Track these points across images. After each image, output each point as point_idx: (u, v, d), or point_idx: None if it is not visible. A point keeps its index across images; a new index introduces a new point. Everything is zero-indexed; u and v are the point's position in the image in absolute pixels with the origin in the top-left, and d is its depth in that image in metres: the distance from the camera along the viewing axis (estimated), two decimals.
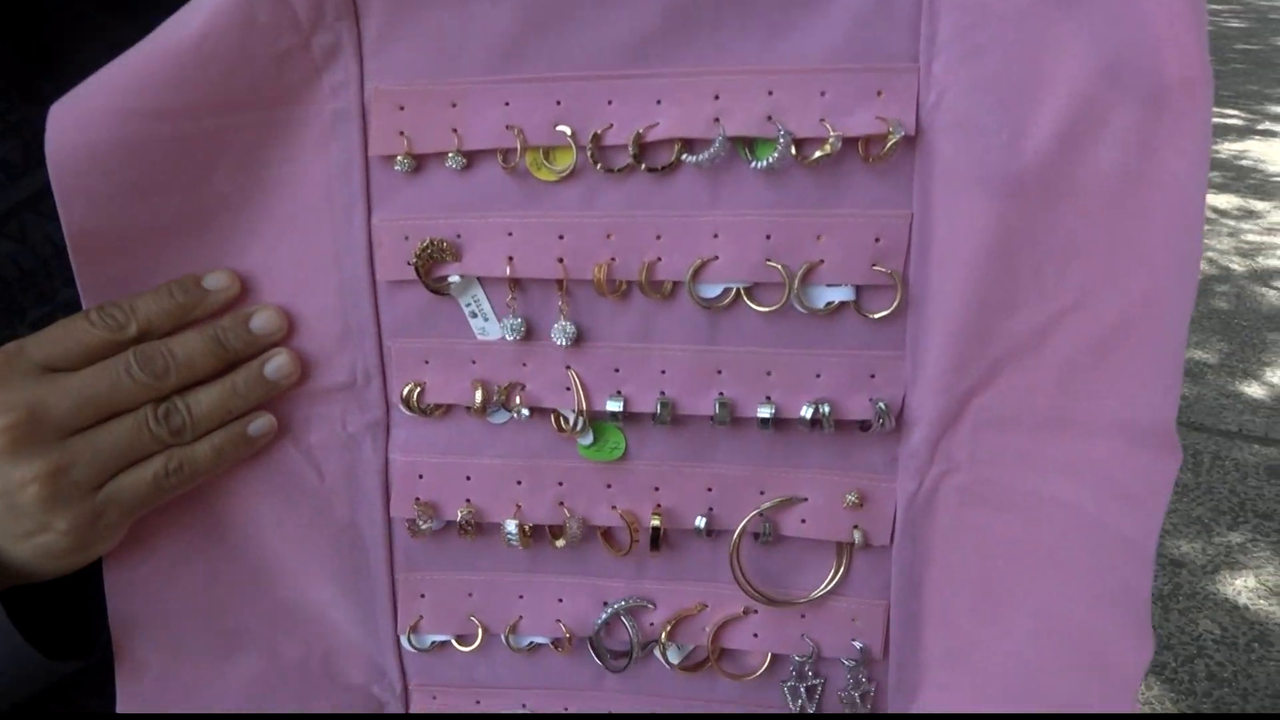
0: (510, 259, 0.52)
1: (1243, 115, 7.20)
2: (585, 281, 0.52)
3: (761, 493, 0.55)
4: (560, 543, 0.56)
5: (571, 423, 0.54)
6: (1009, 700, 0.53)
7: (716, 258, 0.51)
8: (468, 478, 0.56)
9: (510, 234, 0.52)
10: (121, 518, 0.52)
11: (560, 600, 0.58)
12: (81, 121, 0.49)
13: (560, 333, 0.53)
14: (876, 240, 0.50)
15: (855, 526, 0.55)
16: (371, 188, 0.53)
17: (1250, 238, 5.12)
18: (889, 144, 0.49)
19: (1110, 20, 0.44)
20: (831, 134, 0.49)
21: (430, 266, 0.53)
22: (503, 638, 0.59)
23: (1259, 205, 5.59)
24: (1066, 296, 0.49)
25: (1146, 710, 2.47)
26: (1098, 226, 0.47)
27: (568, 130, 0.50)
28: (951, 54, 0.47)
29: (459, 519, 0.56)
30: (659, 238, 0.51)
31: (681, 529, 0.56)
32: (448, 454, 0.56)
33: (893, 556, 0.55)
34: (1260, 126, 6.92)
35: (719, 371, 0.53)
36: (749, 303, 0.52)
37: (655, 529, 0.55)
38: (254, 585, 0.58)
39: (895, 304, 0.51)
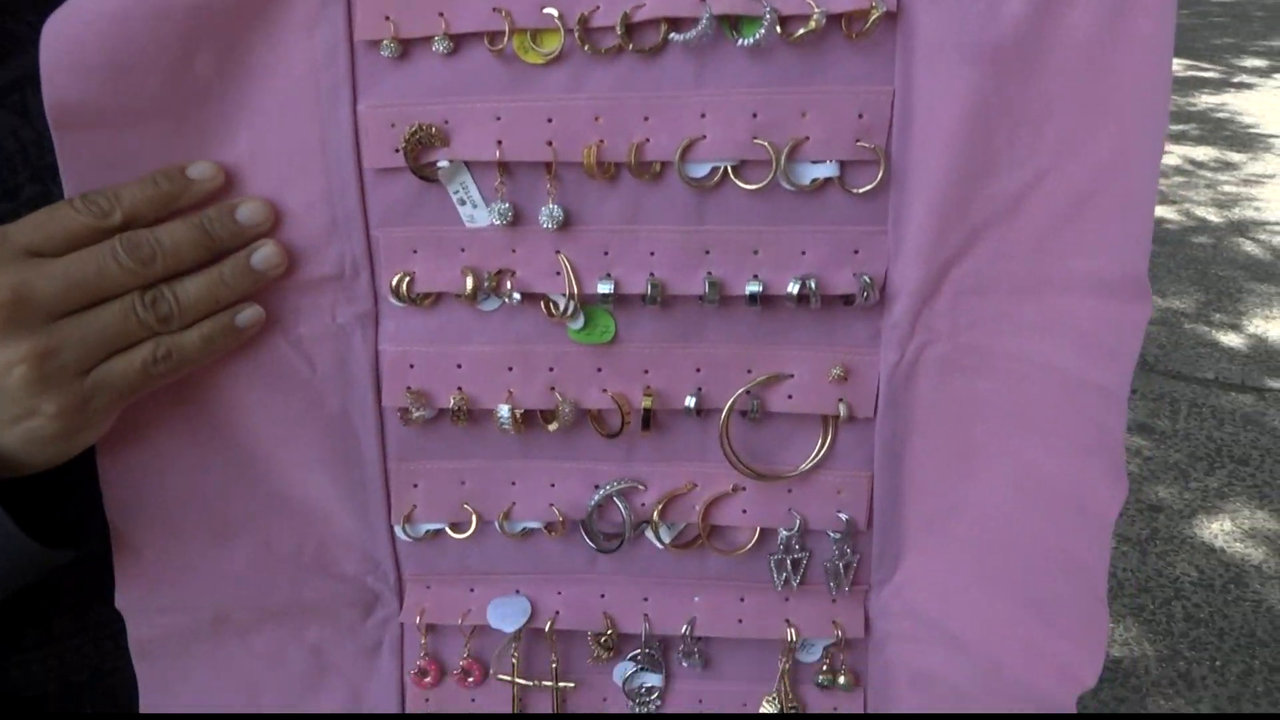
0: (499, 143, 0.53)
1: (1220, 68, 7.33)
2: (574, 164, 0.53)
3: (749, 371, 0.57)
4: (553, 427, 0.57)
5: (562, 307, 0.56)
6: (988, 558, 0.56)
7: (704, 137, 0.52)
8: (459, 365, 0.57)
9: (498, 118, 0.53)
10: (110, 404, 0.52)
11: (552, 485, 0.59)
12: None
13: (548, 217, 0.54)
14: (860, 116, 0.52)
15: (840, 400, 0.56)
16: (357, 74, 0.53)
17: (1227, 189, 5.22)
18: (871, 20, 0.50)
19: None
20: (815, 10, 0.50)
21: (418, 152, 0.53)
22: (496, 524, 0.60)
23: (1235, 157, 5.69)
24: (1042, 160, 0.50)
25: (1124, 651, 2.55)
26: (1071, 89, 0.49)
27: (555, 12, 0.51)
28: None
29: (451, 406, 0.57)
30: (647, 119, 0.52)
31: (671, 409, 0.57)
32: (438, 343, 0.57)
33: (876, 428, 0.57)
34: (1236, 79, 7.05)
35: (707, 251, 0.54)
36: (736, 181, 0.53)
37: (646, 410, 0.57)
38: (246, 476, 0.59)
39: (878, 179, 0.53)
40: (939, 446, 0.56)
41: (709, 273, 0.55)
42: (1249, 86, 6.89)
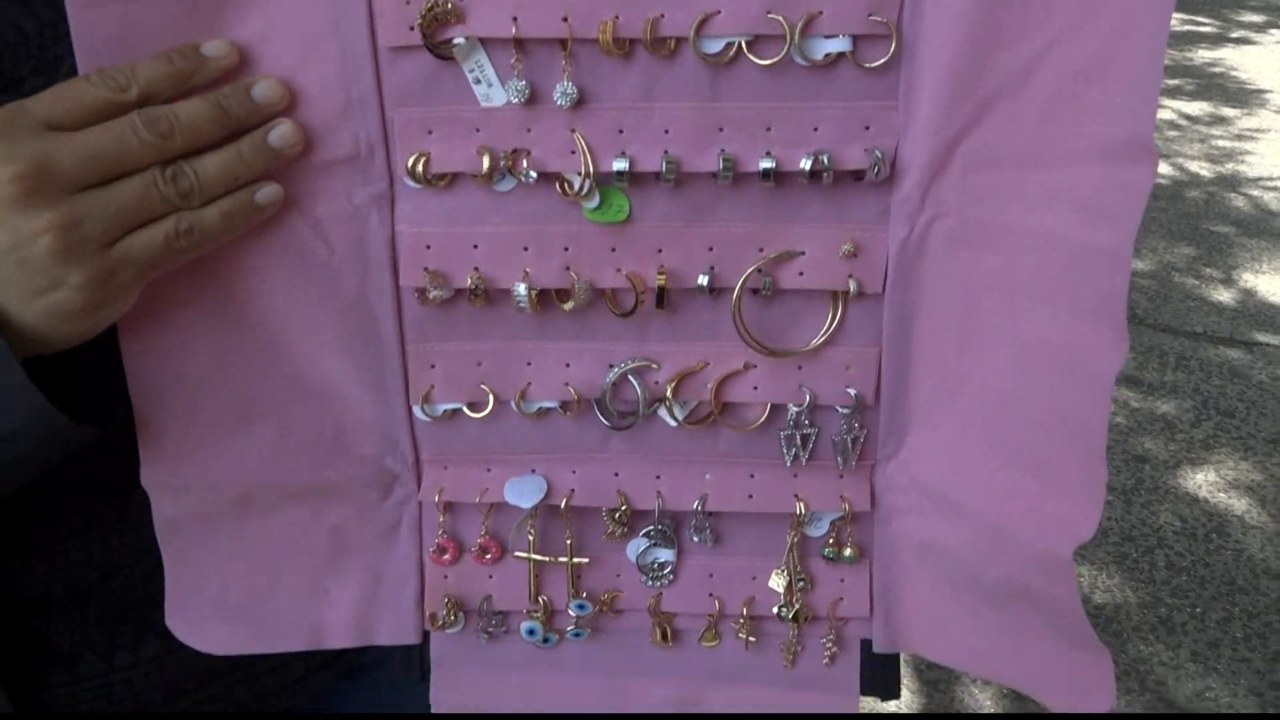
0: (514, 19, 0.54)
1: (1216, 23, 7.28)
2: (589, 41, 0.54)
3: (760, 249, 0.58)
4: (568, 306, 0.59)
5: (576, 186, 0.57)
6: (992, 429, 0.58)
7: (719, 12, 0.53)
8: (475, 246, 0.59)
9: None
10: (133, 279, 0.53)
11: (567, 365, 0.61)
12: None
13: (563, 95, 0.55)
14: None
15: (850, 275, 0.58)
16: None
17: (1220, 144, 5.23)
18: None
19: None
20: None
21: (434, 30, 0.54)
22: (513, 404, 0.62)
23: (1229, 112, 5.69)
24: (1051, 29, 0.52)
25: (1106, 598, 2.58)
26: None
27: None
28: None
29: (468, 286, 0.59)
30: None
31: (684, 288, 0.59)
32: (454, 223, 0.58)
33: (885, 304, 0.59)
34: (1233, 35, 7.02)
35: (720, 129, 0.56)
36: (750, 56, 0.54)
37: (660, 288, 0.58)
38: (266, 357, 0.60)
39: (890, 53, 0.54)
40: (946, 321, 0.58)
41: (723, 150, 0.56)
42: (1246, 42, 6.89)
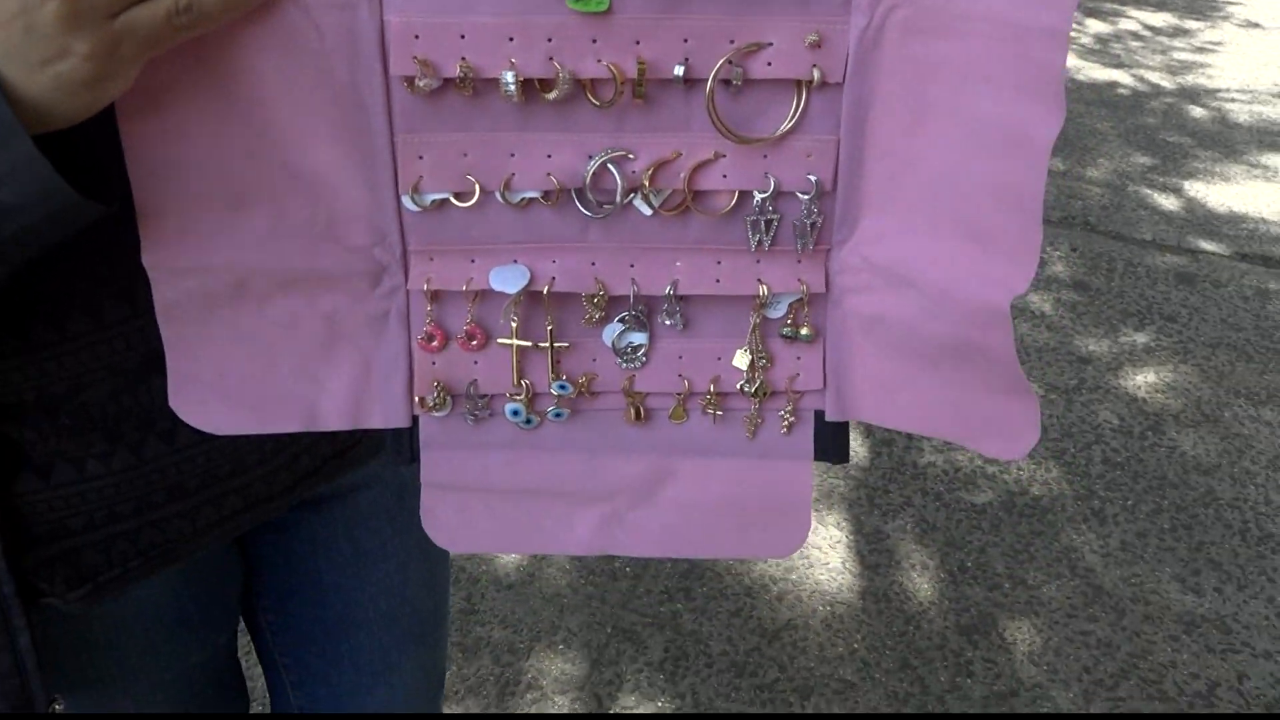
0: None
1: None
2: None
3: (732, 41, 0.63)
4: (551, 95, 0.64)
5: None
6: (938, 205, 0.64)
7: None
8: (462, 36, 0.63)
9: None
10: (136, 53, 0.55)
11: (549, 156, 0.66)
12: None
13: None
14: None
15: (814, 65, 0.64)
16: None
17: (1180, 55, 5.31)
18: None
19: None
20: None
21: None
22: (497, 194, 0.67)
23: (1192, 24, 5.76)
24: None
25: (1043, 490, 2.67)
26: None
27: None
28: None
29: (456, 75, 0.63)
30: None
31: (661, 79, 0.64)
32: (442, 13, 0.63)
33: (844, 93, 0.65)
34: None
35: None
36: None
37: (639, 77, 0.64)
38: (260, 144, 0.64)
39: None
40: (898, 108, 0.64)
41: None
42: None
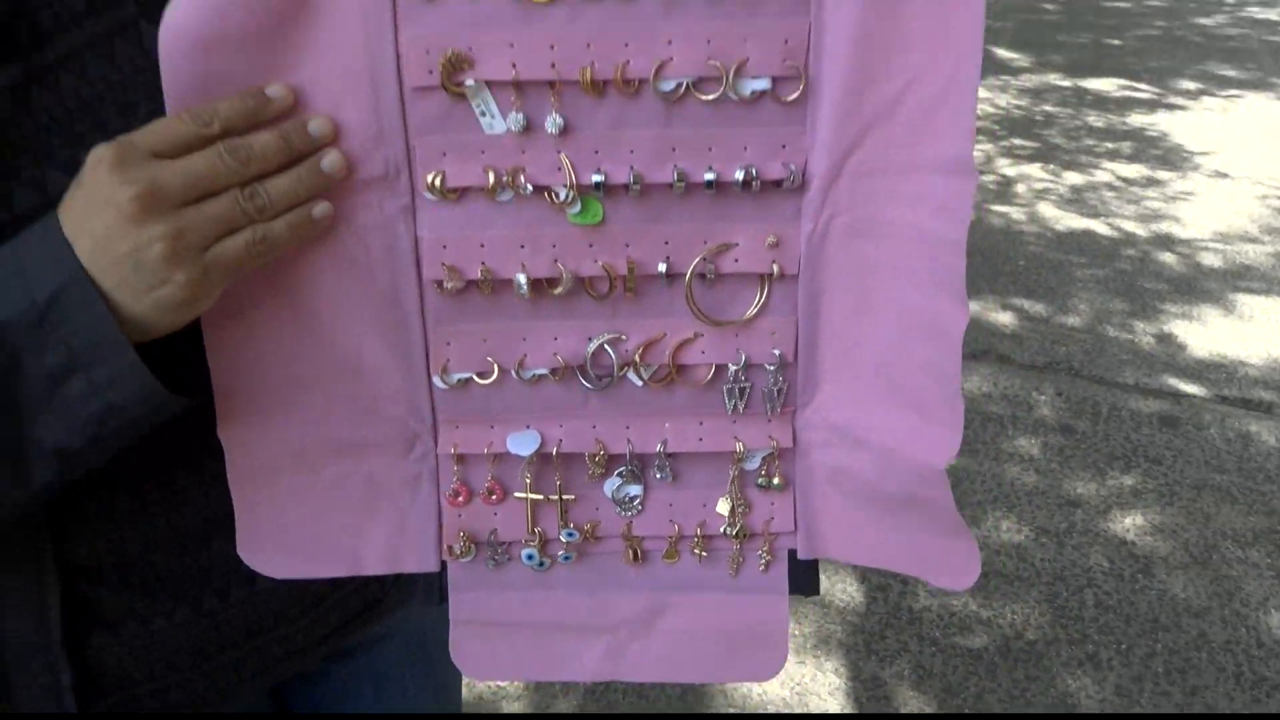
0: (513, 65, 0.74)
1: (1153, 89, 7.64)
2: (572, 83, 0.74)
3: (705, 242, 0.78)
4: (557, 291, 0.78)
5: (562, 197, 0.76)
6: (880, 377, 0.78)
7: (671, 59, 0.74)
8: (482, 245, 0.78)
9: (512, 45, 0.73)
10: (221, 277, 0.70)
11: (555, 339, 0.80)
12: (185, 14, 0.69)
13: (552, 124, 0.75)
14: (786, 42, 0.74)
15: (773, 261, 0.78)
16: (398, 11, 0.73)
17: (1152, 204, 5.52)
18: None
19: None
20: None
21: (449, 74, 0.74)
22: (513, 373, 0.81)
23: (1163, 174, 5.96)
24: (907, 74, 0.73)
25: (1038, 635, 2.76)
26: (923, 24, 0.72)
27: None
28: None
29: (478, 277, 0.78)
30: (627, 45, 0.73)
31: (647, 275, 0.79)
32: (465, 228, 0.78)
33: (799, 283, 0.79)
34: (1169, 100, 7.39)
35: (674, 149, 0.76)
36: (696, 94, 0.75)
37: (628, 274, 0.78)
38: (317, 338, 0.78)
39: (800, 90, 0.75)
40: (843, 296, 0.79)
41: (676, 166, 0.76)
42: (1180, 108, 7.28)
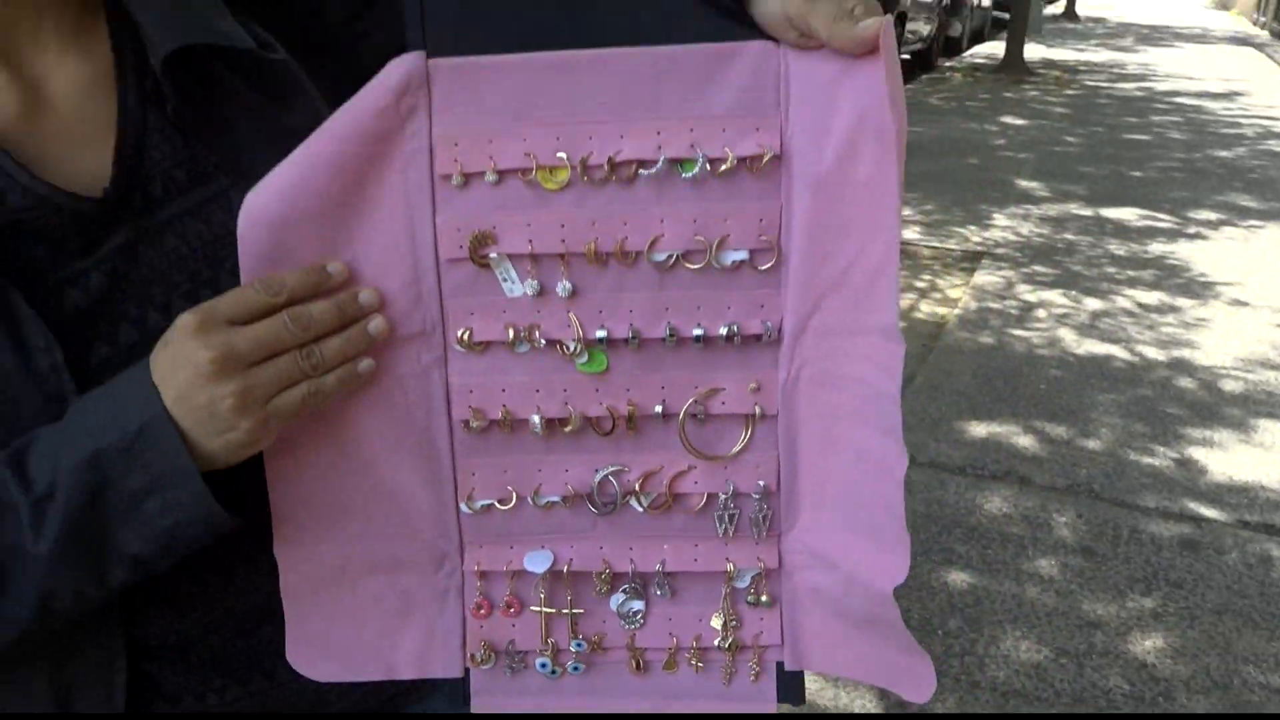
0: (529, 241, 0.87)
1: (1174, 219, 7.79)
2: (579, 255, 0.87)
3: (696, 388, 0.90)
4: (567, 429, 0.90)
5: (572, 349, 0.89)
6: (845, 508, 0.89)
7: (663, 235, 0.86)
8: (503, 390, 0.90)
9: (529, 225, 0.86)
10: (280, 423, 0.83)
11: (566, 470, 0.92)
12: (263, 199, 0.83)
13: (562, 288, 0.88)
14: (760, 220, 0.86)
15: (756, 404, 0.90)
16: (436, 198, 0.86)
17: (1172, 331, 5.61)
18: (765, 160, 0.85)
19: (860, 93, 0.81)
20: (730, 156, 0.85)
21: (476, 248, 0.87)
22: (529, 500, 0.92)
23: (1183, 302, 6.05)
24: (851, 252, 0.85)
25: None
26: (858, 212, 0.84)
27: (564, 155, 0.85)
28: (794, 107, 0.84)
29: (499, 418, 0.90)
30: (625, 224, 0.86)
31: (646, 415, 0.90)
32: (489, 376, 0.90)
33: (779, 423, 0.90)
34: (1189, 230, 7.53)
35: (667, 309, 0.88)
36: (685, 264, 0.87)
37: (629, 416, 0.90)
38: (362, 469, 0.90)
39: (773, 261, 0.87)
40: (814, 435, 0.90)
41: (669, 324, 0.88)
42: (1201, 237, 7.39)
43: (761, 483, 0.92)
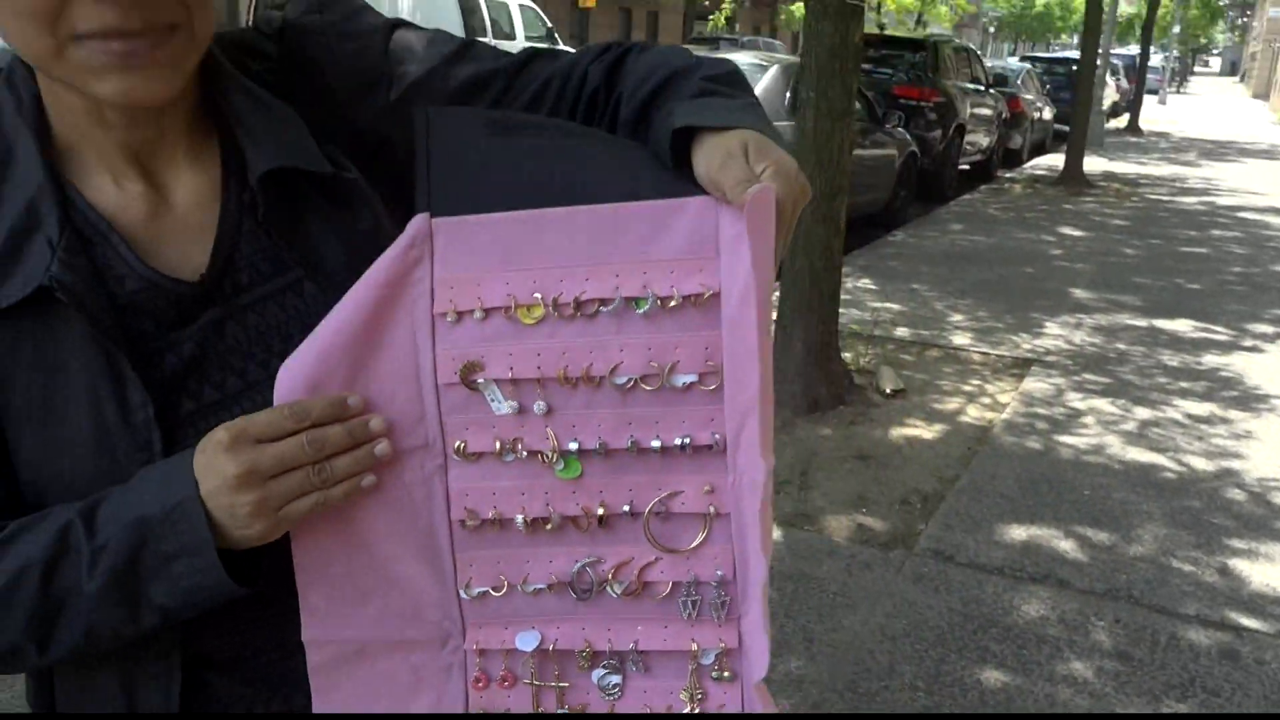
0: (511, 368, 1.02)
1: (1231, 332, 7.82)
2: (552, 378, 1.02)
3: (658, 489, 1.04)
4: (549, 526, 1.05)
5: (551, 458, 1.04)
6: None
7: (623, 362, 1.02)
8: (493, 493, 1.05)
9: (510, 354, 1.02)
10: (290, 525, 0.98)
11: (550, 561, 1.06)
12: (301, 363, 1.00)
13: (539, 407, 1.03)
14: (706, 348, 1.01)
15: (710, 504, 1.04)
16: (435, 334, 1.03)
17: (1218, 442, 5.62)
18: (705, 297, 1.00)
19: (750, 247, 0.96)
20: (677, 294, 1.00)
21: (468, 374, 1.03)
22: (519, 587, 1.06)
23: (1234, 414, 6.07)
24: (756, 381, 0.99)
25: None
26: (757, 345, 0.98)
27: (539, 295, 1.01)
28: (722, 254, 1.00)
29: (491, 517, 1.05)
30: (591, 352, 1.02)
31: (616, 514, 1.04)
32: (481, 481, 1.05)
33: (731, 521, 1.04)
34: (1245, 343, 7.57)
35: (629, 423, 1.03)
36: (643, 385, 1.02)
37: (601, 515, 1.04)
38: (375, 563, 1.05)
39: (718, 383, 1.02)
40: (754, 528, 1.04)
41: (631, 436, 1.03)
42: (1258, 350, 7.42)
43: (719, 572, 1.05)
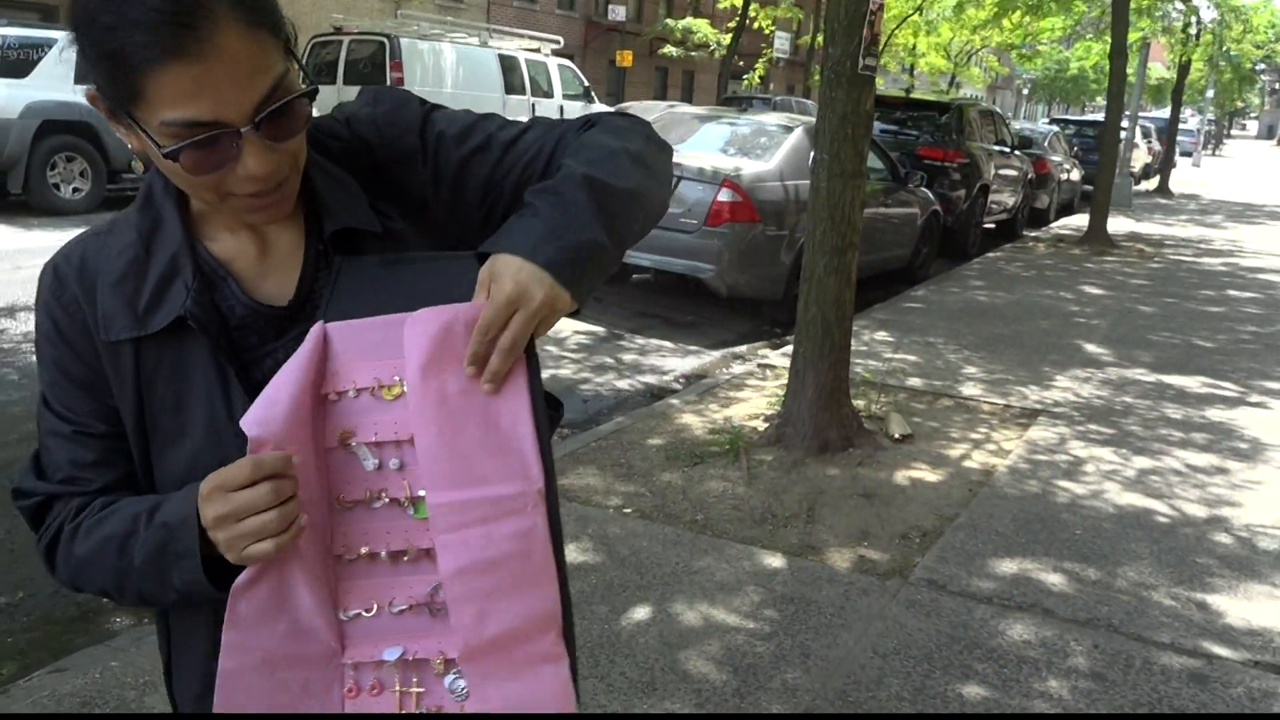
0: (375, 434, 1.23)
1: (1238, 388, 7.81)
2: (406, 441, 1.23)
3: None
4: (406, 558, 1.25)
5: (404, 504, 1.24)
6: None
7: None
8: (365, 533, 1.26)
9: (375, 423, 1.23)
10: (249, 563, 1.19)
11: (411, 587, 1.27)
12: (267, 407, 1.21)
13: (395, 463, 1.24)
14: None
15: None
16: (326, 408, 1.25)
17: (1215, 490, 5.67)
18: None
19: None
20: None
21: (344, 439, 1.24)
22: (386, 609, 1.26)
23: (1232, 464, 6.10)
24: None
25: None
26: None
27: (398, 378, 1.22)
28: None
29: (364, 552, 1.26)
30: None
31: None
32: (356, 524, 1.26)
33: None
34: (1251, 399, 7.56)
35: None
36: None
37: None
38: (282, 588, 1.24)
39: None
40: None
41: None
42: (1263, 406, 7.40)
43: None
